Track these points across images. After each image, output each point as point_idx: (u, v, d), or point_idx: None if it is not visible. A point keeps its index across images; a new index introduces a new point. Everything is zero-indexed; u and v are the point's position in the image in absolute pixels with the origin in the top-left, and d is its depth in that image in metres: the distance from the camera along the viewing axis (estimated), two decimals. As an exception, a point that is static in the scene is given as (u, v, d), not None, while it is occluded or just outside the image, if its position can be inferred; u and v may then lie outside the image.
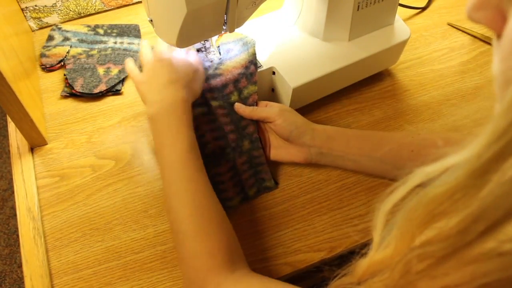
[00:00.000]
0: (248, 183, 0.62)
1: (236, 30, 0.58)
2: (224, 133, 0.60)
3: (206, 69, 0.62)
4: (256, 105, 0.62)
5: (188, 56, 0.59)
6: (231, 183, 0.61)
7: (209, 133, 0.59)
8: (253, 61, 0.63)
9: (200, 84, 0.59)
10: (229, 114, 0.60)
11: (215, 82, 0.61)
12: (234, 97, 0.61)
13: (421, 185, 0.28)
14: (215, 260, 0.46)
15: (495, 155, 0.22)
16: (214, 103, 0.60)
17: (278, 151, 0.62)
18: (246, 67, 0.62)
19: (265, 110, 0.60)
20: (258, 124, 0.62)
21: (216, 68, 0.62)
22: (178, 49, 0.58)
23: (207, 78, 0.61)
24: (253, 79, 0.61)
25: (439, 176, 0.26)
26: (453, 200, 0.25)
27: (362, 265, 0.34)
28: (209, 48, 0.64)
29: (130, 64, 0.60)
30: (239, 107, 0.61)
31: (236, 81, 0.61)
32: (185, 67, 0.57)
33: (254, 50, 0.64)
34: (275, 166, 0.65)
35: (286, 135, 0.59)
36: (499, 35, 0.25)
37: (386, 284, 0.31)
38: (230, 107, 0.61)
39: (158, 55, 0.58)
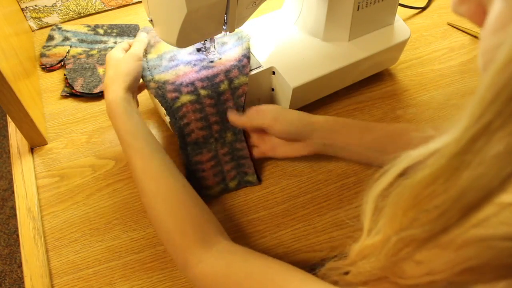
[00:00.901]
0: (230, 175, 0.62)
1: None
2: (209, 123, 0.60)
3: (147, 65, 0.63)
4: (245, 97, 0.61)
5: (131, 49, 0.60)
6: (211, 172, 0.61)
7: (194, 122, 0.60)
8: (246, 55, 0.63)
9: (136, 76, 0.59)
10: (216, 104, 0.60)
11: (207, 72, 0.61)
12: (224, 86, 0.60)
13: (408, 171, 0.28)
14: (188, 238, 0.47)
15: (472, 138, 0.23)
16: (203, 92, 0.60)
17: (283, 148, 0.62)
18: (239, 60, 0.62)
19: (259, 118, 0.59)
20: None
21: (210, 62, 0.63)
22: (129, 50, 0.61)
23: (200, 69, 0.62)
24: (245, 70, 0.61)
25: (425, 160, 0.27)
26: (437, 184, 0.25)
27: (354, 249, 0.34)
28: (209, 48, 0.64)
29: None
30: (232, 115, 0.60)
31: (227, 71, 0.61)
32: (119, 64, 0.58)
33: (249, 45, 0.64)
34: (265, 164, 0.65)
35: (285, 137, 0.59)
36: (481, 27, 0.27)
37: (373, 266, 0.32)
38: (217, 97, 0.60)
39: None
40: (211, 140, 0.61)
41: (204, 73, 0.61)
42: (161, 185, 0.50)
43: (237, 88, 0.61)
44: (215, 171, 0.62)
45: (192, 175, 0.61)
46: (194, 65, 0.62)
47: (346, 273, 0.36)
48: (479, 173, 0.23)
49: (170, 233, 0.48)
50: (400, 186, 0.28)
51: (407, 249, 0.29)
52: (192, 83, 0.60)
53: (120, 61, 0.58)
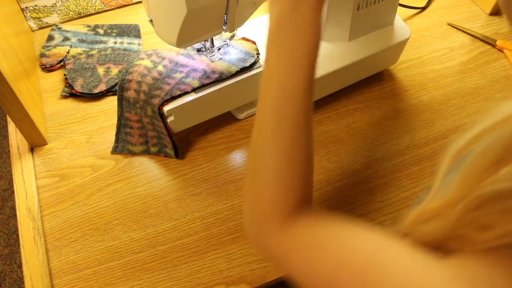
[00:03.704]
0: (152, 141, 0.66)
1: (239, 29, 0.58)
2: (140, 89, 0.61)
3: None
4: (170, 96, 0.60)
5: None
6: (137, 132, 0.66)
7: (135, 83, 0.61)
8: (223, 75, 0.62)
9: None
10: (158, 80, 0.62)
11: (197, 64, 0.64)
12: (177, 75, 0.62)
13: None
14: (294, 195, 0.41)
15: None
16: (160, 67, 0.62)
17: None
18: (213, 72, 0.62)
19: None
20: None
21: (211, 62, 0.64)
22: None
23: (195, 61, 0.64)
24: (201, 79, 0.62)
25: None
26: None
27: (411, 214, 0.33)
28: (209, 48, 0.64)
29: None
30: None
31: (193, 70, 0.63)
32: None
33: (238, 70, 0.63)
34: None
35: None
36: None
37: (441, 230, 0.30)
38: (163, 75, 0.62)
39: None
40: (137, 105, 0.62)
41: (192, 62, 0.64)
42: (286, 148, 0.41)
43: (180, 84, 0.62)
44: (141, 133, 0.66)
45: (122, 127, 0.66)
46: (193, 58, 0.64)
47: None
48: None
49: (274, 194, 0.41)
50: (490, 138, 0.27)
51: (482, 208, 0.27)
52: (169, 60, 0.63)
53: None
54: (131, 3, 0.87)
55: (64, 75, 0.74)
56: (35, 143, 0.67)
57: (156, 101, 0.60)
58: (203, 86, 0.61)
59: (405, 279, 0.30)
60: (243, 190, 0.44)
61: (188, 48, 0.65)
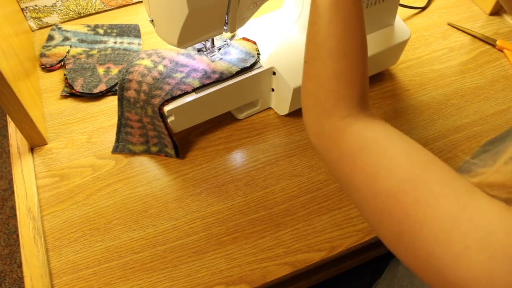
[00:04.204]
0: (153, 140, 0.66)
1: (239, 29, 0.58)
2: (140, 89, 0.62)
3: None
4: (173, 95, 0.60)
5: None
6: (138, 132, 0.66)
7: (135, 82, 0.61)
8: (223, 76, 0.62)
9: None
10: (158, 79, 0.62)
11: (182, 57, 0.64)
12: (178, 75, 0.62)
13: None
14: (354, 88, 0.41)
15: None
16: (160, 67, 0.62)
17: None
18: (214, 72, 0.63)
19: None
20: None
21: (211, 62, 0.64)
22: None
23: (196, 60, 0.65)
24: (201, 79, 0.62)
25: None
26: None
27: (472, 181, 0.33)
28: (209, 48, 0.64)
29: None
30: None
31: (194, 70, 0.63)
32: None
33: (238, 70, 0.63)
34: (265, 164, 0.65)
35: None
36: None
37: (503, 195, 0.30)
38: (164, 75, 0.62)
39: None
40: (138, 105, 0.62)
41: (192, 62, 0.64)
42: (345, 26, 0.41)
43: (180, 84, 0.62)
44: (141, 132, 0.66)
45: (122, 127, 0.66)
46: (194, 58, 0.64)
47: None
48: None
49: (338, 76, 0.41)
50: None
51: None
52: (170, 60, 0.63)
53: None
54: (131, 3, 0.87)
55: (64, 75, 0.74)
56: (35, 143, 0.67)
57: (157, 101, 0.60)
58: (203, 86, 0.61)
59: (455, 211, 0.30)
60: (302, 83, 0.44)
61: (189, 48, 0.65)
